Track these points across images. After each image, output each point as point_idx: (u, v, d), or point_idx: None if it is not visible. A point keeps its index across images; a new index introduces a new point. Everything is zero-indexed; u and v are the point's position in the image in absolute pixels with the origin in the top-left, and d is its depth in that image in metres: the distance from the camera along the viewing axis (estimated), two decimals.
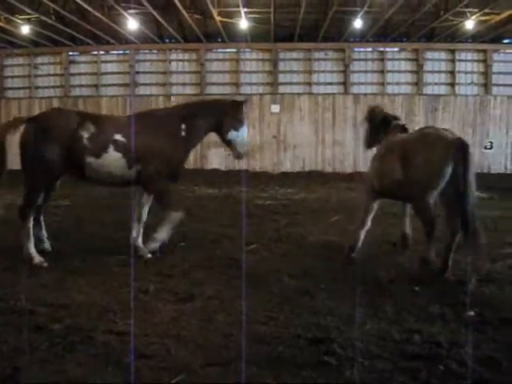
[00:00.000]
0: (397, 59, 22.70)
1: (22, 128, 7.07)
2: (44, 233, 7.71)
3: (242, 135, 7.77)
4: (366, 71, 22.68)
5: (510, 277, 6.53)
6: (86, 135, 7.07)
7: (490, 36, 21.68)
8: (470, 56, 22.77)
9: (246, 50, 22.69)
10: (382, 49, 22.66)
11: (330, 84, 22.57)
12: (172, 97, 22.13)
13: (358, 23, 18.96)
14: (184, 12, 18.29)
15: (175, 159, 7.54)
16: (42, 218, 7.68)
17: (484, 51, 22.61)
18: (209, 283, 6.26)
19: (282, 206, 12.70)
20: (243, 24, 19.43)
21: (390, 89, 22.59)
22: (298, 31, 21.03)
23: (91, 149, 7.07)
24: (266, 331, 4.81)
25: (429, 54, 22.58)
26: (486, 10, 18.15)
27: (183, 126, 7.55)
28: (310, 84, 22.54)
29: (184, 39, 22.17)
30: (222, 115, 7.69)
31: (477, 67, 22.77)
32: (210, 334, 4.74)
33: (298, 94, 22.38)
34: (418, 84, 22.48)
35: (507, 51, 23.14)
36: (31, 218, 7.10)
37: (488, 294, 5.90)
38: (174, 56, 22.91)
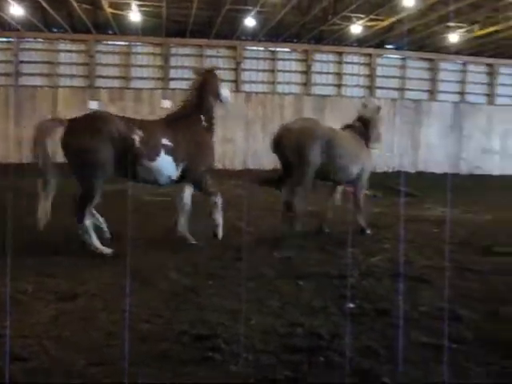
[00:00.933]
0: (287, 59, 23.23)
1: (61, 129, 7.22)
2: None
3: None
4: (258, 70, 23.02)
5: (388, 270, 6.86)
6: (137, 139, 7.41)
7: (375, 41, 22.75)
8: (356, 59, 23.78)
9: (137, 43, 22.28)
10: (273, 48, 23.08)
11: (222, 81, 22.63)
12: (60, 89, 21.28)
13: (249, 22, 19.18)
14: (73, 1, 17.63)
15: (209, 150, 8.30)
16: None
17: (369, 55, 23.70)
18: (93, 281, 6.07)
19: (172, 203, 12.52)
20: (134, 17, 19.05)
21: (280, 88, 23.09)
22: (190, 27, 20.94)
23: (146, 153, 7.49)
24: (151, 329, 4.73)
25: (317, 56, 23.32)
26: (372, 16, 19.01)
27: (202, 118, 8.23)
28: None
29: (73, 29, 21.37)
30: (211, 87, 8.41)
31: (362, 70, 23.83)
32: (92, 334, 4.59)
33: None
34: (306, 84, 23.13)
35: (390, 56, 24.39)
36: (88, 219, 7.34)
37: (367, 286, 6.16)
38: (61, 46, 22.03)
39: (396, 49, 24.49)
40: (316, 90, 23.32)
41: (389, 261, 7.39)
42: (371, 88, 23.79)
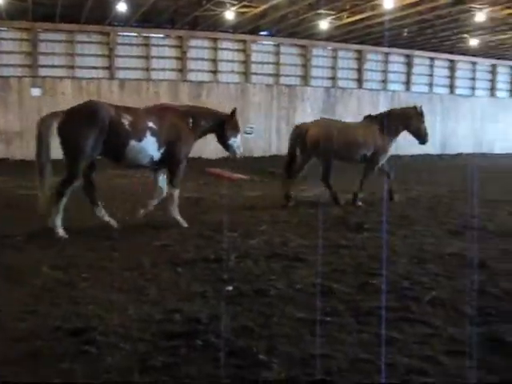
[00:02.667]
0: (162, 45, 22.89)
1: (57, 121, 7.78)
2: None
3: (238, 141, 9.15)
4: (132, 56, 22.51)
5: (264, 251, 7.03)
6: (126, 122, 8.01)
7: (249, 27, 23.00)
8: (230, 45, 23.93)
9: (2, 28, 20.96)
10: (147, 34, 22.65)
11: (95, 68, 21.94)
12: None
13: (121, 6, 18.67)
14: None
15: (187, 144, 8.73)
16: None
17: (244, 41, 23.92)
18: None
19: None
20: None
21: (154, 75, 22.76)
22: (59, 10, 19.97)
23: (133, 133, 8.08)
24: (25, 327, 4.52)
25: (192, 42, 23.20)
26: (245, 3, 19.17)
27: (190, 121, 8.69)
28: (73, 67, 21.66)
29: None
30: (222, 124, 8.94)
31: (237, 56, 24.03)
32: None
33: (61, 77, 21.35)
34: (182, 71, 22.96)
35: (264, 42, 24.80)
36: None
37: (245, 268, 6.27)
38: None
39: (270, 35, 24.94)
40: (192, 77, 23.24)
41: (266, 242, 7.57)
42: (246, 74, 24.10)
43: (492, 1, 18.37)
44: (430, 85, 28.89)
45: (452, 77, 29.37)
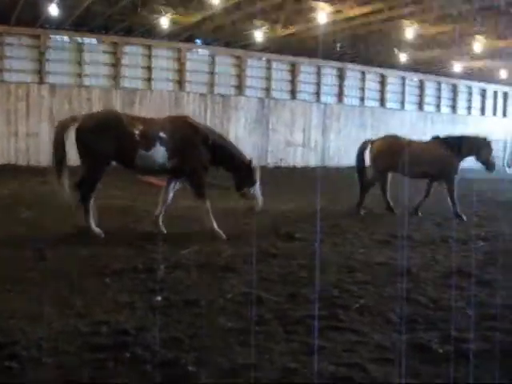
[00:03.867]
0: (95, 51, 22.44)
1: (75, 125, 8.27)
2: None
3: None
4: (63, 61, 21.93)
5: (195, 261, 6.98)
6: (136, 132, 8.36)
7: (184, 36, 22.92)
8: (165, 53, 23.75)
9: None
10: (80, 39, 22.16)
11: (24, 72, 21.25)
12: None
13: (53, 9, 18.19)
14: None
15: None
16: None
17: (179, 50, 23.80)
18: None
19: None
20: None
21: (87, 81, 22.25)
22: None
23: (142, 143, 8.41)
24: None
25: (127, 48, 22.86)
26: (181, 11, 19.10)
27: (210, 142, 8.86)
28: (1, 71, 20.90)
29: None
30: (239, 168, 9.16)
31: (172, 64, 23.88)
32: None
33: None
34: (116, 77, 22.59)
35: (199, 51, 24.77)
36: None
37: (176, 278, 6.20)
38: None
39: (205, 44, 24.93)
40: (125, 84, 22.89)
41: (197, 252, 7.52)
42: (181, 82, 23.96)
43: (421, 18, 19.03)
44: (362, 98, 29.62)
45: (383, 90, 30.22)
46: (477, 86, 34.06)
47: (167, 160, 8.59)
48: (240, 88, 25.53)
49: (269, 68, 26.52)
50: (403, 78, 30.95)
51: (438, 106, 32.74)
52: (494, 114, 35.52)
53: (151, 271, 6.34)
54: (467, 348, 4.47)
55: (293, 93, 27.13)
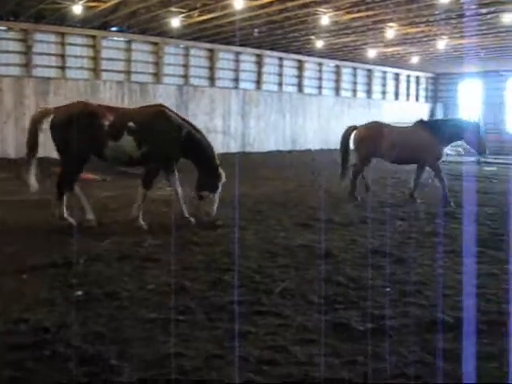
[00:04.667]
0: (4, 39, 21.42)
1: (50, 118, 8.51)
2: None
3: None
4: None
5: (116, 253, 6.86)
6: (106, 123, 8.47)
7: (99, 22, 22.27)
8: (79, 40, 23.01)
9: None
10: None
11: None
12: None
13: None
14: None
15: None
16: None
17: (93, 37, 23.12)
18: None
19: None
20: None
21: None
22: None
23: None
24: None
25: (38, 36, 21.96)
26: None
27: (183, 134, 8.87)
28: None
29: None
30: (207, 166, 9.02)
31: (86, 52, 23.18)
32: None
33: None
34: (27, 66, 21.68)
35: (115, 38, 24.17)
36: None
37: (96, 271, 6.08)
38: None
39: (121, 31, 24.32)
40: (38, 73, 21.99)
41: (118, 243, 7.39)
42: (96, 71, 23.30)
43: (336, 5, 19.36)
44: (280, 84, 29.89)
45: (300, 76, 30.62)
46: (391, 71, 35.17)
47: (136, 150, 8.56)
48: (158, 75, 25.16)
49: (187, 55, 26.27)
50: (320, 64, 31.49)
51: (354, 91, 33.58)
52: (407, 98, 36.83)
53: (70, 265, 6.18)
54: (386, 324, 4.64)
55: (211, 80, 27.03)
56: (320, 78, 31.70)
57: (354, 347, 4.24)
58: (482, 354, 4.07)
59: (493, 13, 19.40)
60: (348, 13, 20.24)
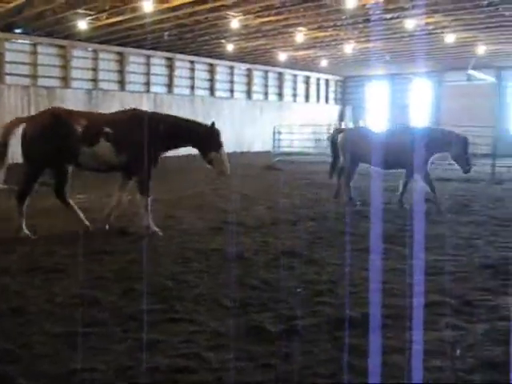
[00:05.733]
0: None
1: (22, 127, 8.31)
2: None
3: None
4: None
5: (25, 265, 6.58)
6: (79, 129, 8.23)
7: (2, 24, 21.36)
8: None
9: None
10: None
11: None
12: None
13: None
14: None
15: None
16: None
17: None
18: None
19: None
20: None
21: None
22: None
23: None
24: None
25: None
26: None
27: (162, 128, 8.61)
28: None
29: None
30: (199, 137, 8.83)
31: None
32: None
33: None
34: None
35: (20, 41, 23.28)
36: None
37: (2, 286, 5.81)
38: None
39: (26, 34, 23.40)
40: None
41: (27, 255, 7.11)
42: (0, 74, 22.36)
43: (246, 9, 19.53)
44: (192, 87, 29.83)
45: (212, 80, 30.69)
46: (301, 74, 35.92)
47: (115, 156, 8.39)
48: (66, 80, 24.47)
49: (96, 58, 25.74)
50: (232, 68, 31.72)
51: (265, 94, 34.04)
52: (318, 100, 37.75)
53: None
54: (298, 324, 4.74)
55: (122, 83, 26.61)
56: (232, 82, 31.94)
57: (268, 349, 4.30)
58: (387, 348, 4.25)
59: (397, 18, 20.27)
60: (258, 17, 20.51)
